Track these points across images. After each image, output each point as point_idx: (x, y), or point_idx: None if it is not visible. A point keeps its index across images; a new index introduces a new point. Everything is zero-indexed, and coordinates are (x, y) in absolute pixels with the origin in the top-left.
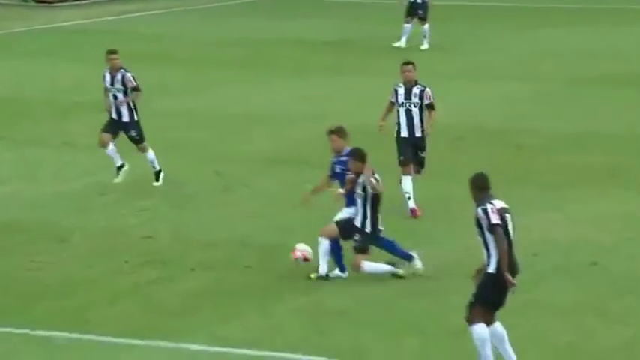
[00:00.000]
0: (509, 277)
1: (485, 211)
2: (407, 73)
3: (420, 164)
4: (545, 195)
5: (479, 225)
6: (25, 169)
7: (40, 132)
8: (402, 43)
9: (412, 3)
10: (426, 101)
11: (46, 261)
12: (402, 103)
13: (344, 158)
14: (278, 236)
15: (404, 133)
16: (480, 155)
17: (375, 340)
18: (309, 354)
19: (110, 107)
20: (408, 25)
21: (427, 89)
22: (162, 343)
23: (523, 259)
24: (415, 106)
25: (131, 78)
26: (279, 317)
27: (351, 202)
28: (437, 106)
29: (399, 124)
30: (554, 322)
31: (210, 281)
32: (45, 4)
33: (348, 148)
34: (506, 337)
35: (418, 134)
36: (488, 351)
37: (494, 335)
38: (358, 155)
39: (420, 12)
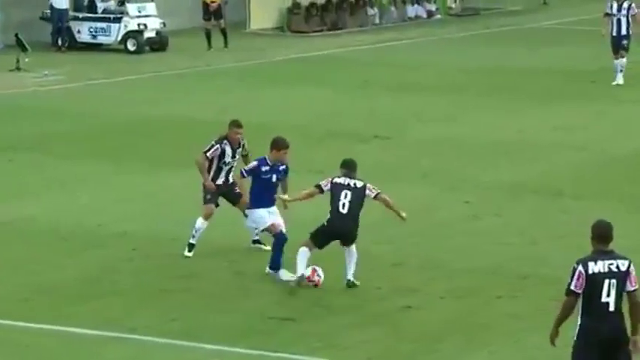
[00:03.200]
0: (553, 339)
1: (573, 271)
2: None
3: None
4: None
5: None
6: None
7: (292, 159)
8: (619, 80)
9: (615, 37)
10: None
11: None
12: None
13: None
14: (530, 266)
15: None
16: None
17: None
18: None
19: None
20: (617, 62)
21: None
22: None
23: None
24: None
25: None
26: (531, 350)
27: None
28: None
29: None
30: None
31: (459, 310)
32: (300, 33)
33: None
34: None
35: None
36: None
37: None
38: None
39: (625, 42)
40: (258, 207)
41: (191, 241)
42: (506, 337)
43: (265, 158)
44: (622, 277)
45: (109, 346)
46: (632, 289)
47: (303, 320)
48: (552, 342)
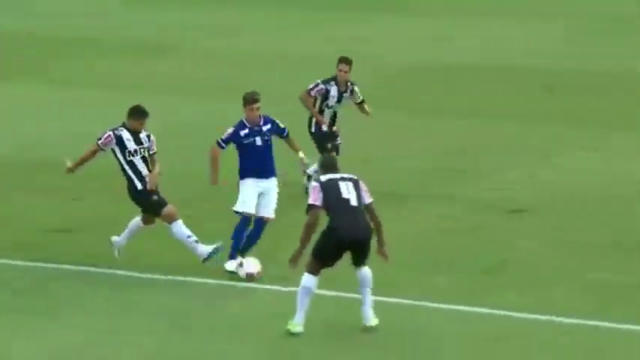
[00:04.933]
0: (297, 261)
1: (311, 189)
2: None
3: None
4: None
5: None
6: None
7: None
8: None
9: None
10: None
11: None
12: None
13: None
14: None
15: None
16: None
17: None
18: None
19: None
20: None
21: None
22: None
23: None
24: None
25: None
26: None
27: None
28: None
29: None
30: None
31: None
32: None
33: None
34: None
35: None
36: (302, 299)
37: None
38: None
39: None
40: (246, 177)
41: None
42: None
43: (242, 121)
44: (355, 183)
45: None
46: (369, 201)
47: (81, 231)
48: (295, 263)
